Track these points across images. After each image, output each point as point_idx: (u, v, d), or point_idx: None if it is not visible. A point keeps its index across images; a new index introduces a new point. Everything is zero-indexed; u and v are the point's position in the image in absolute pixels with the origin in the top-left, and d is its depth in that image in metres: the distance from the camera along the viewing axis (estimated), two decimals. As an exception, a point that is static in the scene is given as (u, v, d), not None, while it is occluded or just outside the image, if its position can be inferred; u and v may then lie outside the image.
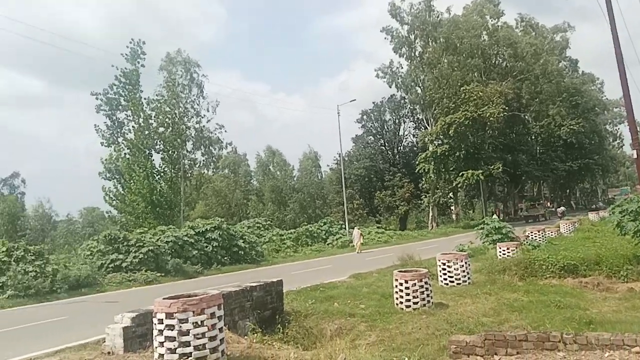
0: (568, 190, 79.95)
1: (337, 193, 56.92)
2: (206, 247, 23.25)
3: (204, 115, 40.93)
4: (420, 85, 50.20)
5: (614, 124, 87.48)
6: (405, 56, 50.35)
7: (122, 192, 36.47)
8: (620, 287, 11.34)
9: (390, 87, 53.93)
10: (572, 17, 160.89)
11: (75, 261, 20.11)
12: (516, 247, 16.43)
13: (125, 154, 35.93)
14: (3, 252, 17.41)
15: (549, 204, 78.09)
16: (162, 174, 37.76)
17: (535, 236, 21.81)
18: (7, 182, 60.35)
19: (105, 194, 36.64)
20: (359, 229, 31.56)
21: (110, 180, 36.78)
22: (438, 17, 49.48)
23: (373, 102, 62.68)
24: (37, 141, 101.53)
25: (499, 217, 31.96)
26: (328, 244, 33.24)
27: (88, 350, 7.54)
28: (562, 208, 53.21)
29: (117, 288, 17.75)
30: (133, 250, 20.16)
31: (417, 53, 49.86)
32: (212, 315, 5.77)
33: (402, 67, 52.33)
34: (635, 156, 10.14)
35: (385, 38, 50.98)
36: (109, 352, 7.04)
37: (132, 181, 35.02)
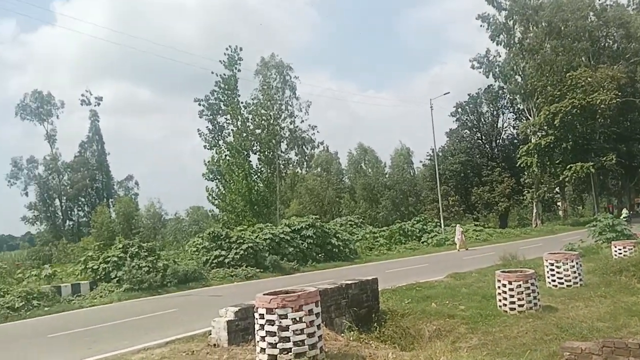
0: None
1: (431, 190, 55.51)
2: (301, 244, 23.80)
3: (297, 116, 42.08)
4: (521, 73, 47.24)
5: None
6: (503, 44, 47.64)
7: (223, 191, 38.52)
8: None
9: (488, 77, 51.43)
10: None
11: (183, 257, 21.58)
12: (634, 246, 14.96)
13: (225, 155, 37.93)
14: (119, 248, 19.08)
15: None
16: (259, 174, 39.38)
17: (657, 234, 19.68)
18: (123, 184, 66.25)
19: (208, 193, 38.99)
20: (461, 226, 31.08)
21: (212, 180, 39.05)
22: (539, 0, 46.27)
23: (468, 94, 60.25)
24: (148, 146, 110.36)
25: (611, 213, 28.94)
26: (422, 242, 32.52)
27: (196, 342, 8.03)
28: (626, 211, 47.21)
29: (221, 283, 18.74)
30: (234, 247, 21.14)
31: (516, 39, 46.98)
32: (310, 312, 5.88)
33: (499, 56, 49.63)
34: None
35: (481, 26, 48.59)
36: (214, 345, 7.45)
37: (232, 181, 36.89)
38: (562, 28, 45.06)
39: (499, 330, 8.51)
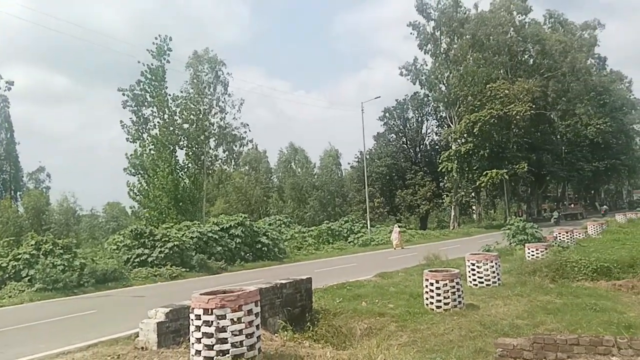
0: (593, 191, 78.20)
1: (358, 191, 56.70)
2: (230, 243, 23.34)
3: (228, 112, 41.28)
4: (445, 82, 49.50)
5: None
6: (430, 53, 49.69)
7: (147, 187, 36.85)
8: (658, 292, 11.02)
9: (414, 84, 53.36)
10: (598, 14, 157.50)
11: (102, 255, 20.37)
12: (545, 249, 16.12)
13: (150, 149, 36.31)
14: (32, 245, 17.71)
15: (572, 205, 76.60)
16: (185, 170, 38.12)
17: (563, 237, 21.38)
18: (33, 177, 61.42)
19: (129, 189, 37.06)
20: (399, 226, 32.42)
21: (134, 175, 37.17)
22: (465, 13, 48.75)
23: (396, 100, 62.20)
24: (62, 137, 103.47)
25: (521, 217, 31.10)
26: (350, 242, 33.12)
27: (120, 345, 7.58)
28: (605, 207, 52.30)
29: (143, 283, 17.92)
30: (159, 245, 20.31)
31: (442, 50, 49.20)
32: (250, 312, 5.75)
33: (426, 64, 51.70)
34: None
35: (410, 33, 50.34)
36: (142, 347, 7.07)
37: (156, 177, 35.37)
38: (485, 41, 47.85)
39: (427, 327, 8.83)
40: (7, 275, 16.64)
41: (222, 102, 40.90)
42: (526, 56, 55.10)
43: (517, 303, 10.26)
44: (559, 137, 61.97)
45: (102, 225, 59.40)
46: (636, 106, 77.50)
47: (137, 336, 7.27)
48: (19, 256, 17.13)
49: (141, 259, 19.80)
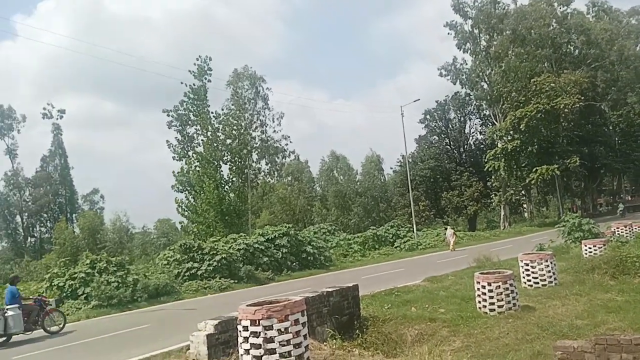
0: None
1: (402, 195, 56.04)
2: (276, 253, 23.51)
3: (269, 126, 42.02)
4: (486, 80, 48.42)
5: None
6: (469, 51, 48.83)
7: (194, 203, 37.83)
8: None
9: (455, 84, 52.67)
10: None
11: (154, 270, 20.98)
12: (604, 244, 15.33)
13: (195, 166, 37.31)
14: (87, 264, 18.42)
15: (629, 197, 72.66)
16: (230, 184, 38.88)
17: (622, 232, 20.29)
18: (88, 198, 64.39)
19: (178, 205, 38.15)
20: (452, 228, 32.53)
21: (182, 192, 38.28)
22: (504, 9, 47.68)
23: (436, 101, 61.41)
24: (114, 159, 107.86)
25: (575, 213, 29.51)
26: (396, 247, 32.67)
27: (172, 358, 7.73)
28: (622, 206, 49.24)
29: (194, 295, 18.28)
30: (207, 259, 20.71)
31: (482, 47, 48.22)
32: (296, 321, 5.71)
33: (466, 63, 50.86)
34: None
35: (448, 33, 49.77)
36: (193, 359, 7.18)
37: (202, 192, 36.25)
38: (526, 36, 46.49)
39: (481, 331, 8.51)
40: (64, 294, 17.37)
41: (263, 116, 41.76)
42: (571, 47, 53.04)
43: (575, 303, 9.75)
44: (611, 128, 59.19)
45: (153, 241, 61.31)
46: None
47: (189, 349, 7.38)
48: (75, 275, 17.86)
49: (191, 272, 20.23)
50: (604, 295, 9.99)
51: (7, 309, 12.13)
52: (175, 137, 37.52)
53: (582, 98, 43.99)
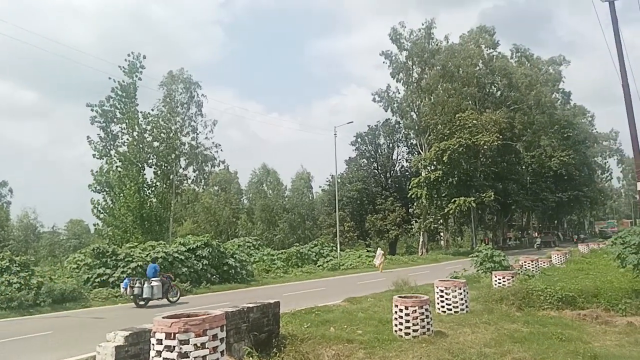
0: (556, 221, 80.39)
1: (328, 215, 56.69)
2: (196, 264, 22.77)
3: (200, 132, 41.02)
4: (416, 110, 50.59)
5: (603, 157, 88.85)
6: (402, 81, 50.87)
7: (111, 205, 35.91)
8: (619, 321, 11.18)
9: (386, 111, 54.46)
10: (561, 51, 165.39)
11: (61, 274, 19.62)
12: (512, 277, 16.27)
13: (116, 167, 35.53)
14: (-14, 262, 16.88)
15: (536, 234, 78.49)
16: (153, 189, 37.34)
17: (529, 266, 21.70)
18: (-5, 191, 59.29)
19: (93, 206, 36.04)
20: (382, 249, 34.12)
21: (99, 192, 36.20)
22: (437, 44, 50.20)
23: (368, 126, 63.19)
24: (27, 151, 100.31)
25: (487, 245, 31.59)
26: (318, 266, 32.84)
27: (76, 369, 7.20)
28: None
29: (103, 304, 17.25)
30: (121, 265, 19.71)
31: (414, 79, 50.38)
32: (214, 337, 5.51)
33: (398, 92, 52.90)
34: (639, 189, 10.11)
35: (383, 62, 51.68)
36: (99, 372, 6.71)
37: (122, 194, 34.53)
38: (455, 73, 49.28)
39: (395, 355, 8.68)
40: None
41: (195, 122, 40.70)
42: (494, 88, 56.94)
43: (484, 331, 10.23)
44: (524, 167, 63.84)
45: (62, 242, 57.43)
46: (598, 140, 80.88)
47: (94, 360, 6.90)
48: (-28, 273, 16.28)
49: (102, 279, 19.14)
50: (510, 326, 10.57)
51: (152, 280, 16.68)
52: (98, 134, 35.55)
53: (500, 137, 47.13)
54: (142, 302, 16.40)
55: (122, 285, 16.71)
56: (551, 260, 27.13)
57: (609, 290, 12.85)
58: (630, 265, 11.29)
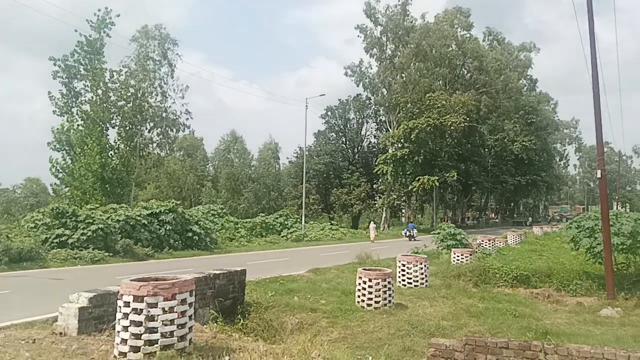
0: (512, 204, 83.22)
1: (294, 186, 56.78)
2: (159, 229, 22.48)
3: (170, 96, 39.74)
4: (387, 87, 50.65)
5: (563, 144, 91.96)
6: (375, 57, 50.65)
7: (71, 165, 34.78)
8: (570, 301, 11.84)
9: (358, 86, 54.30)
10: (526, 38, 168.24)
11: (18, 233, 18.98)
12: (470, 254, 16.86)
13: (78, 125, 34.29)
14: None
15: (492, 215, 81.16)
16: (115, 150, 36.31)
17: (486, 245, 22.51)
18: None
19: (52, 165, 34.83)
20: (374, 223, 38.44)
21: (59, 151, 34.95)
22: (412, 22, 50.01)
23: (339, 100, 62.99)
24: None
25: (447, 223, 33.72)
26: (282, 237, 33.03)
27: (36, 329, 7.08)
28: (530, 219, 57.42)
29: (62, 265, 16.86)
30: (81, 227, 19.21)
31: (387, 55, 50.23)
32: (183, 301, 5.53)
33: (371, 68, 52.72)
34: (599, 176, 10.57)
35: (358, 36, 51.24)
36: (60, 333, 6.62)
37: (83, 154, 33.45)
38: (428, 52, 49.34)
39: (357, 324, 8.95)
40: None
41: (165, 83, 39.31)
42: (464, 70, 57.49)
43: (442, 305, 10.64)
44: (487, 150, 65.38)
45: (19, 200, 55.51)
46: (559, 127, 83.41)
47: (56, 321, 6.81)
48: None
49: (61, 239, 18.65)
50: (467, 301, 11.02)
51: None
52: (60, 90, 34.05)
53: (467, 119, 47.91)
54: None
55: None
56: (507, 241, 28.21)
57: (561, 271, 13.54)
58: (583, 248, 11.85)
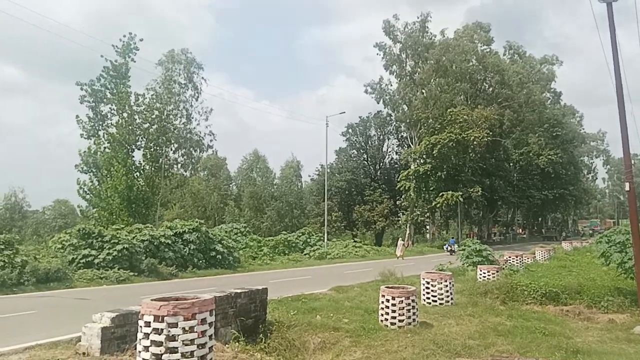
0: (540, 219, 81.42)
1: (317, 204, 56.74)
2: (183, 249, 22.70)
3: (195, 119, 40.46)
4: (408, 103, 50.57)
5: (590, 157, 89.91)
6: (395, 74, 50.77)
7: (98, 186, 35.57)
8: (601, 318, 11.41)
9: (378, 103, 54.40)
10: (548, 52, 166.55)
11: (46, 254, 19.40)
12: (497, 271, 16.47)
13: (105, 147, 35.13)
14: (-30, 239, 16.64)
15: (519, 230, 79.48)
16: (141, 171, 36.99)
17: (513, 261, 21.98)
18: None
19: (80, 187, 35.68)
20: (402, 240, 39.09)
21: (86, 173, 35.85)
22: (431, 38, 50.11)
23: (359, 117, 63.18)
24: (12, 130, 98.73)
25: (472, 239, 33.48)
26: (305, 255, 32.95)
27: (60, 349, 7.13)
28: (564, 234, 56.79)
29: (88, 285, 17.12)
30: (107, 247, 19.52)
31: (407, 72, 50.30)
32: (203, 321, 5.50)
33: (391, 85, 52.81)
34: (627, 189, 10.25)
35: (377, 54, 51.53)
36: (84, 353, 6.66)
37: (110, 176, 34.20)
38: (448, 68, 49.24)
39: (381, 344, 8.74)
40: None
41: (190, 106, 40.05)
42: (486, 85, 57.08)
43: (469, 323, 10.35)
44: (511, 164, 64.42)
45: (48, 222, 56.82)
46: (586, 140, 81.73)
47: (79, 341, 6.85)
48: (-45, 250, 16.04)
49: (87, 260, 18.96)
50: (494, 319, 10.70)
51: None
52: (87, 114, 35.07)
53: (490, 133, 47.42)
54: None
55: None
56: (535, 257, 27.50)
57: (591, 287, 13.09)
58: (614, 264, 11.46)
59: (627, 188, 10.04)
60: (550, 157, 59.97)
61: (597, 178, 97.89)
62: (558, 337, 9.10)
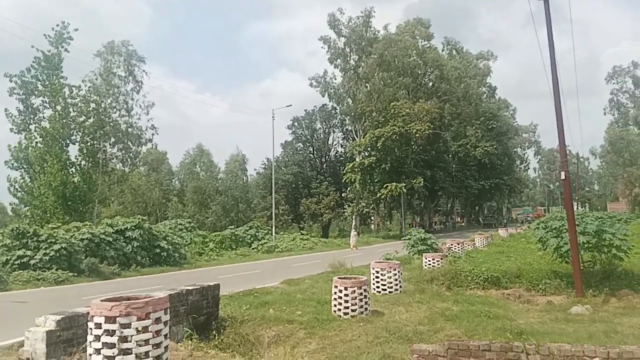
0: (477, 207, 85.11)
1: (263, 198, 56.39)
2: (125, 246, 21.85)
3: (136, 112, 38.99)
4: (352, 97, 51.13)
5: (522, 148, 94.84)
6: (339, 68, 51.14)
7: (30, 183, 33.56)
8: (540, 300, 12.09)
9: (323, 96, 54.60)
10: (482, 47, 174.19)
11: (-25, 256, 18.11)
12: (441, 258, 17.06)
13: (37, 142, 33.15)
14: None
15: (458, 218, 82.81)
16: (77, 167, 35.23)
17: (455, 248, 22.85)
18: None
19: (10, 184, 33.54)
20: (355, 231, 39.68)
21: (17, 170, 33.70)
22: (374, 33, 50.80)
23: (305, 110, 63.26)
24: None
25: (415, 228, 33.97)
26: (253, 249, 32.66)
27: (1, 356, 6.73)
28: (505, 220, 59.54)
29: (24, 287, 16.16)
30: (43, 247, 18.48)
31: (351, 66, 50.79)
32: (158, 320, 5.33)
33: (335, 78, 53.18)
34: (563, 177, 10.89)
35: (322, 47, 51.67)
36: (27, 358, 6.30)
37: (43, 172, 32.33)
38: (391, 62, 50.13)
39: (335, 334, 8.85)
40: None
41: (131, 99, 38.53)
42: (426, 79, 58.64)
43: (417, 310, 10.66)
44: (451, 156, 66.79)
45: (-26, 223, 52.92)
46: (518, 132, 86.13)
47: (22, 346, 6.48)
48: None
49: (22, 261, 17.90)
50: (441, 304, 11.09)
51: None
52: (17, 107, 32.92)
53: (431, 126, 48.79)
54: None
55: None
56: (475, 244, 28.71)
57: (530, 271, 13.83)
58: (551, 248, 12.16)
59: (562, 176, 10.70)
60: (486, 148, 62.73)
61: (529, 168, 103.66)
62: (502, 320, 9.55)
